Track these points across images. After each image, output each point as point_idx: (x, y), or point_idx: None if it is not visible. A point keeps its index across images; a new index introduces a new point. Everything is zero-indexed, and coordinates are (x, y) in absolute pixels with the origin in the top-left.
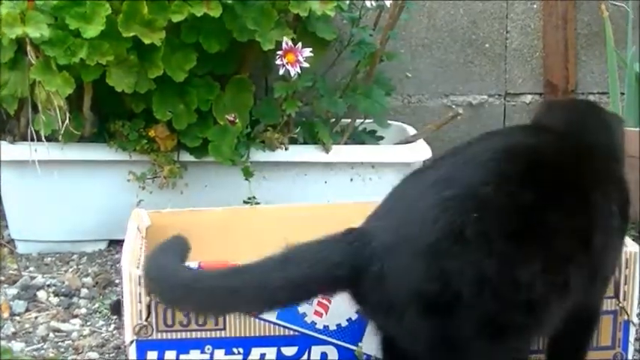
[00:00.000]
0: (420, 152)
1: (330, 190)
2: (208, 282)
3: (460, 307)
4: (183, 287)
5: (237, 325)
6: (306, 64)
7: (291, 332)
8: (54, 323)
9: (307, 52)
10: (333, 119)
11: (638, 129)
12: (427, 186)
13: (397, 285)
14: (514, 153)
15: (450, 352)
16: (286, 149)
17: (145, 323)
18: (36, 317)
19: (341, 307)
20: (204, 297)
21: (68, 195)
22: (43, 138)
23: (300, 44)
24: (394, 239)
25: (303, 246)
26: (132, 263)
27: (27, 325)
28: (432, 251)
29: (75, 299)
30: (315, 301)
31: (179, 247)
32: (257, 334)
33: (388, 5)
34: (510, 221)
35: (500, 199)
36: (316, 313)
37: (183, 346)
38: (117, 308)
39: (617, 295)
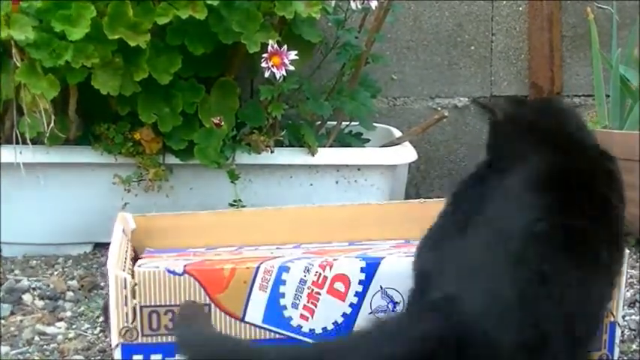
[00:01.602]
0: (405, 155)
1: (316, 192)
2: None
3: (551, 346)
4: None
5: (222, 329)
6: (291, 67)
7: (277, 336)
8: (39, 326)
9: (292, 54)
10: (319, 122)
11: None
12: (484, 238)
13: (495, 344)
14: (543, 178)
15: None
16: (272, 152)
17: (130, 326)
18: (21, 320)
19: (327, 311)
20: None
21: (53, 198)
22: (28, 141)
23: (285, 47)
24: (479, 300)
25: (386, 321)
26: (118, 266)
27: (12, 329)
28: (522, 301)
29: (60, 302)
30: (302, 304)
31: (202, 316)
32: (243, 338)
33: (373, 7)
34: (572, 251)
35: (556, 232)
36: (302, 316)
37: (168, 350)
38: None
39: None
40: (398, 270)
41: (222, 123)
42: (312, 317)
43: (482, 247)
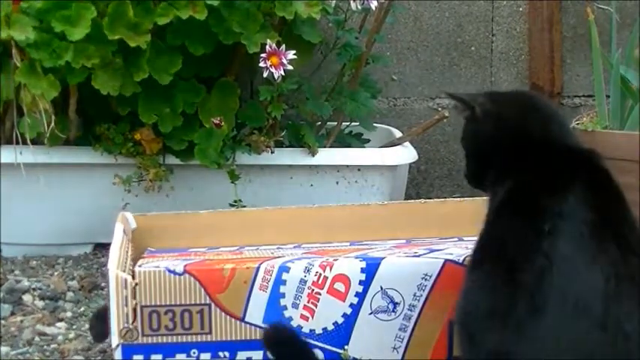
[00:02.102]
0: (406, 155)
1: (316, 193)
2: None
3: None
4: None
5: (223, 328)
6: (289, 67)
7: None
8: (39, 327)
9: (291, 54)
10: (319, 122)
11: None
12: (564, 313)
13: None
14: (596, 229)
15: None
16: (272, 152)
17: (130, 327)
18: (21, 321)
19: (327, 311)
20: None
21: (53, 198)
22: (29, 141)
23: (283, 46)
24: None
25: None
26: (118, 266)
27: (12, 329)
28: None
29: (60, 303)
30: (302, 304)
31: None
32: (243, 338)
33: (374, 8)
34: (633, 291)
35: (621, 286)
36: (302, 317)
37: (169, 350)
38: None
39: None
40: (398, 270)
41: (223, 123)
42: (313, 317)
43: (566, 322)
